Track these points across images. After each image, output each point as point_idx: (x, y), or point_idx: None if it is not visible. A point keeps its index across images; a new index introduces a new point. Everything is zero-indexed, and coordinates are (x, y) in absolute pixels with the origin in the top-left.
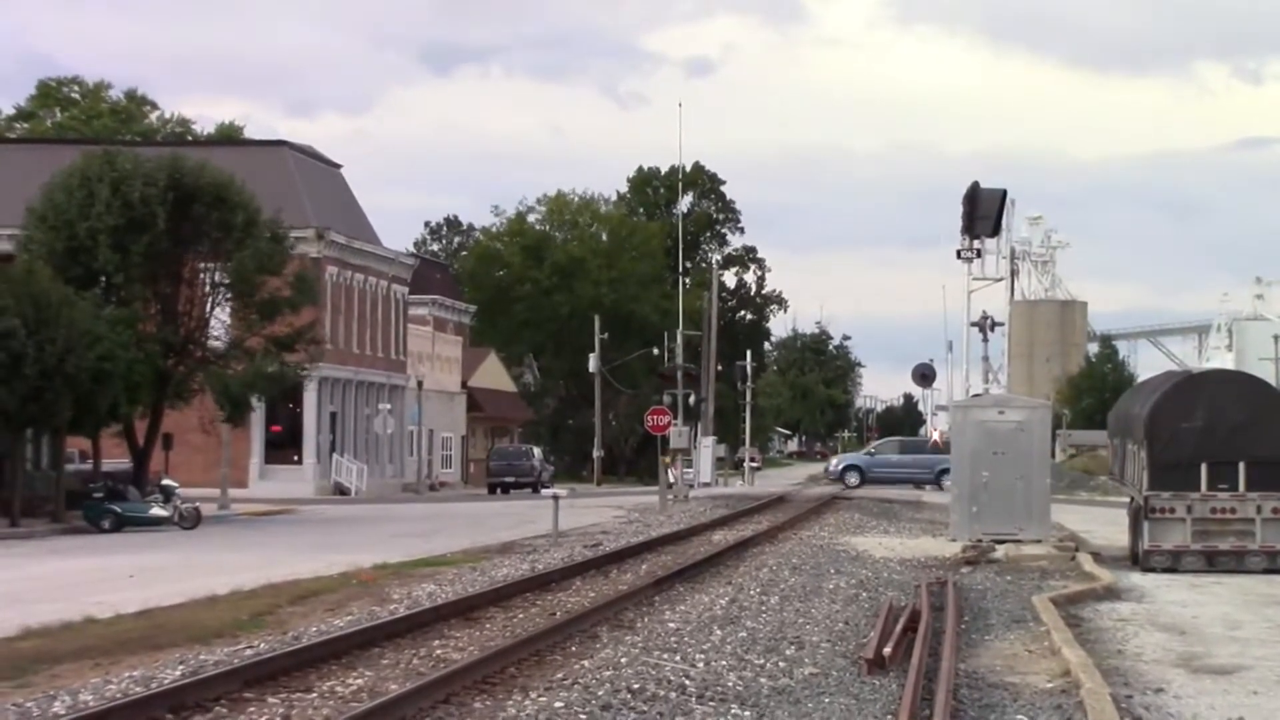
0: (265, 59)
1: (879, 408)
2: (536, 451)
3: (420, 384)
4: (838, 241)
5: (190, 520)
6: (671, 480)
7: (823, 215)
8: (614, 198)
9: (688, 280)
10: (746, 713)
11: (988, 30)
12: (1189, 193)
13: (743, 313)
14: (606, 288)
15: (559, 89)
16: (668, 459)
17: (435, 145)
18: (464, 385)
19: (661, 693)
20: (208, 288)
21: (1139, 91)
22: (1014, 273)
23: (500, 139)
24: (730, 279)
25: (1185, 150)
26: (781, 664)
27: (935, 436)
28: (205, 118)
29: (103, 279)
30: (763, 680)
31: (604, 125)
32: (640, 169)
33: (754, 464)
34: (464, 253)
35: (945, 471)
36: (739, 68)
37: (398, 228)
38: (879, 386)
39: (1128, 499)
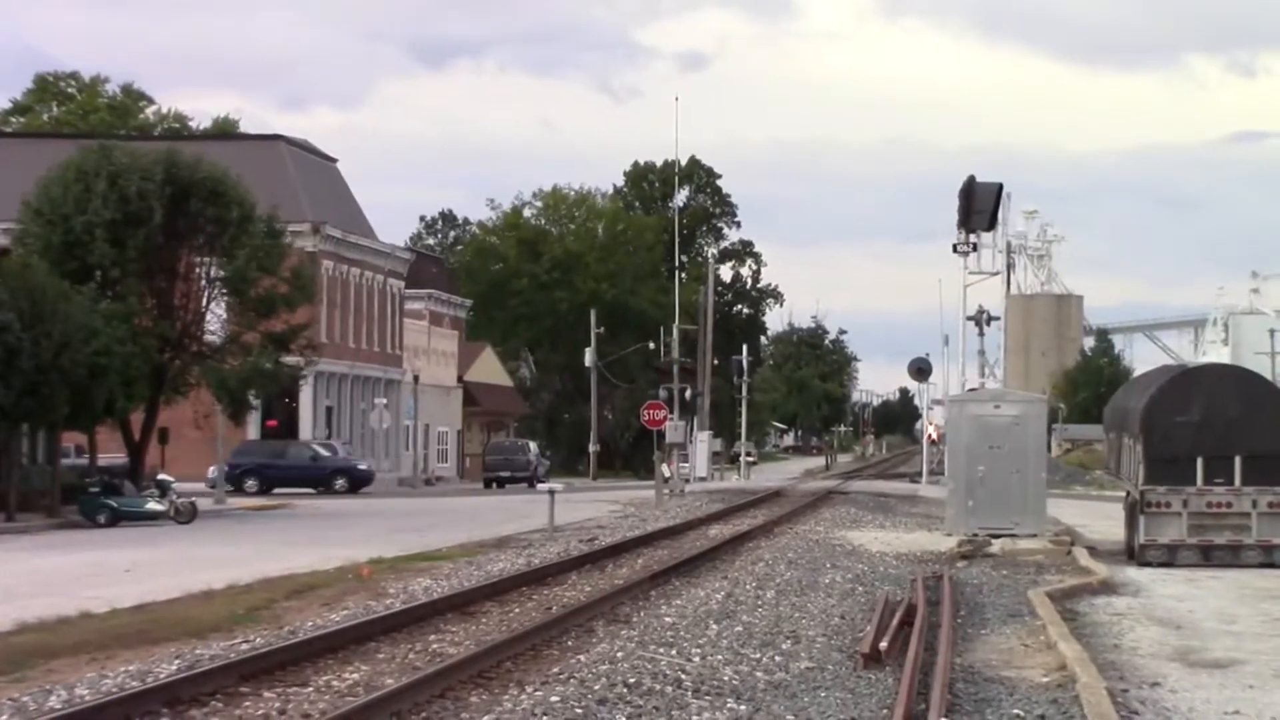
0: (256, 53)
1: (875, 402)
2: (532, 446)
3: (416, 378)
4: (834, 235)
5: (186, 515)
6: (667, 475)
7: (818, 209)
8: (610, 192)
9: (684, 274)
10: (742, 707)
11: (977, 24)
12: (1184, 187)
13: (739, 307)
14: (605, 282)
15: (553, 83)
16: (662, 453)
17: (429, 140)
18: (460, 380)
19: (657, 687)
20: (203, 282)
21: (1131, 85)
22: (1010, 267)
23: (494, 133)
24: (726, 273)
25: (1179, 144)
26: (778, 658)
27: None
28: (197, 112)
29: (99, 273)
30: (759, 674)
31: (598, 119)
32: (636, 163)
33: (750, 459)
34: (459, 247)
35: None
36: (732, 62)
37: (393, 222)
38: (875, 381)
39: (1124, 493)
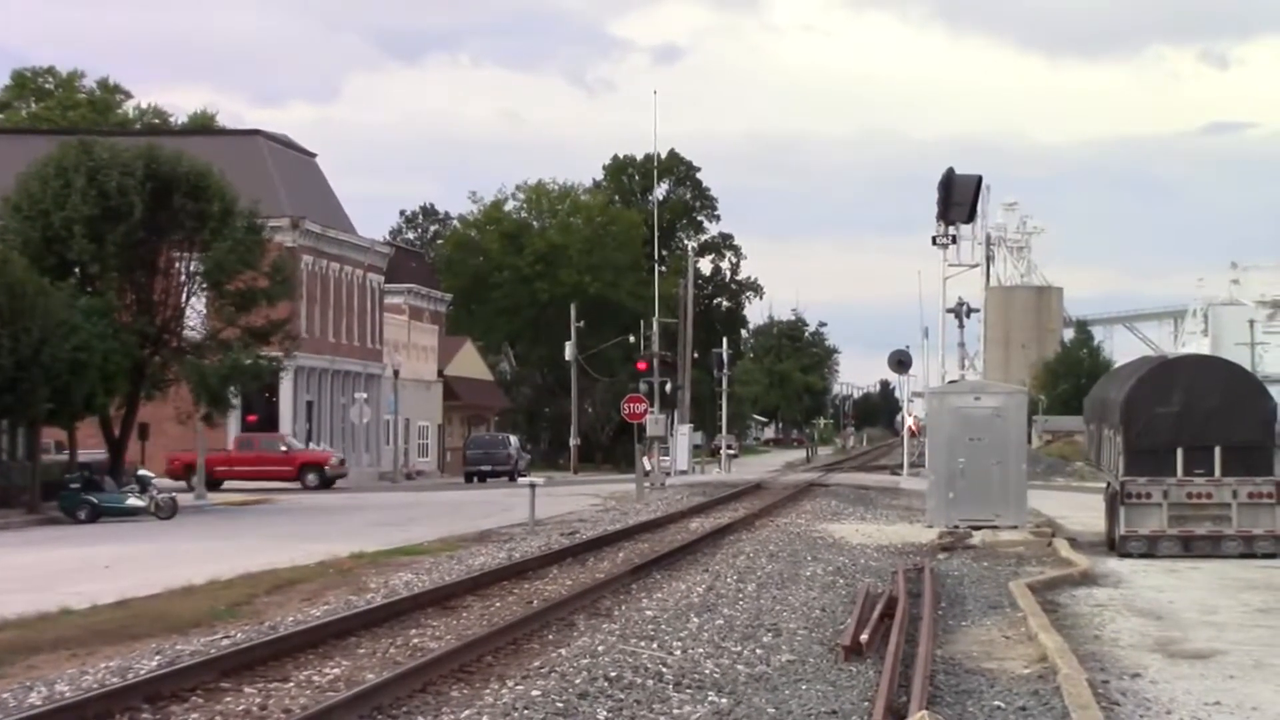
0: (227, 48)
1: (856, 394)
2: (513, 440)
3: (396, 373)
4: (812, 228)
5: (167, 510)
6: (648, 468)
7: (796, 202)
8: (589, 185)
9: (664, 268)
10: (724, 700)
11: (940, 16)
12: (1161, 178)
13: (719, 300)
14: (588, 275)
15: (528, 77)
16: (643, 446)
17: (405, 133)
18: (440, 374)
19: (639, 681)
20: (183, 278)
21: (1103, 77)
22: (989, 259)
23: (470, 127)
24: (706, 266)
25: (1153, 135)
26: (759, 651)
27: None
28: (169, 107)
29: (78, 269)
30: (740, 667)
31: (574, 113)
32: (616, 156)
33: (731, 451)
34: (439, 241)
35: None
36: (706, 55)
37: (372, 216)
38: (855, 373)
39: (1104, 484)
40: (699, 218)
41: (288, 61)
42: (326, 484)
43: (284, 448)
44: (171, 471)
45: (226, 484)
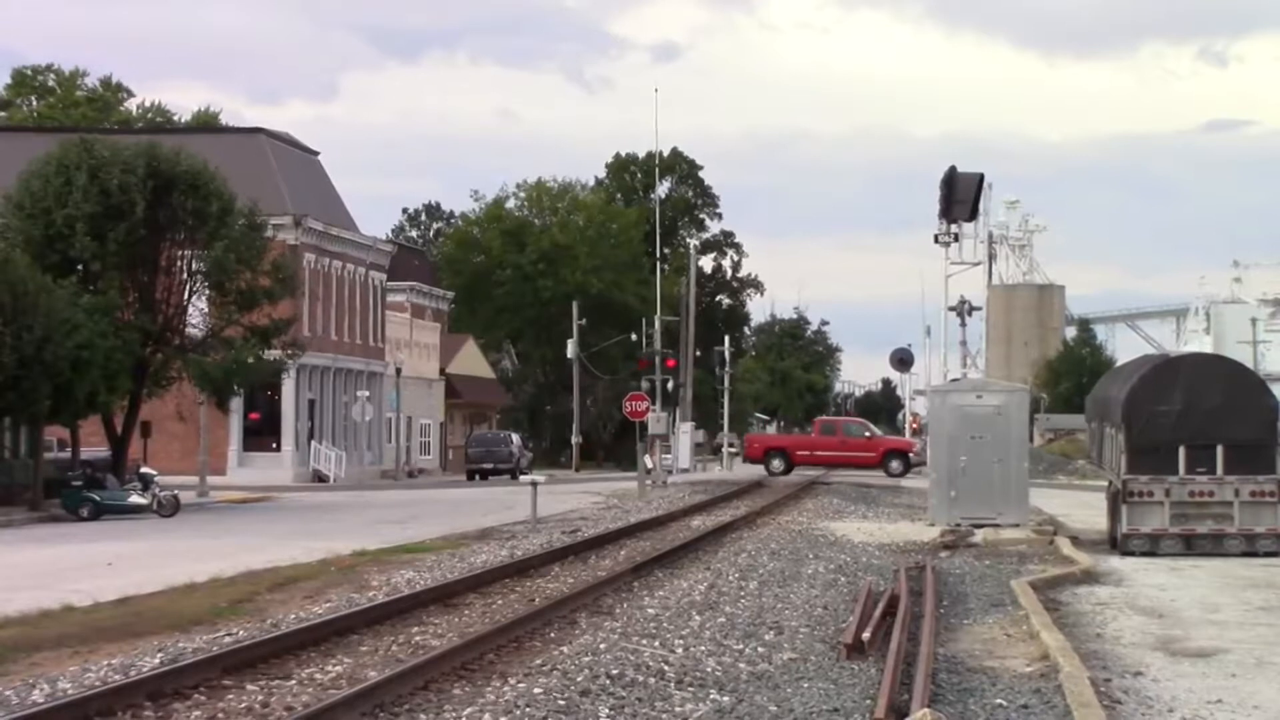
0: (223, 46)
1: (858, 392)
2: (515, 438)
3: (398, 371)
4: (812, 226)
5: (169, 508)
6: (650, 466)
7: (796, 200)
8: (591, 183)
9: (666, 266)
10: (725, 698)
11: (937, 12)
12: (1160, 176)
13: (720, 298)
14: (592, 274)
15: (526, 75)
16: (645, 444)
17: (404, 131)
18: (442, 372)
19: (640, 678)
20: (185, 276)
21: (1100, 75)
22: (991, 257)
23: (470, 125)
24: (708, 264)
25: (1153, 133)
26: (760, 649)
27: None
28: (172, 105)
29: (80, 267)
30: (741, 665)
31: (573, 111)
32: (618, 154)
33: (733, 449)
34: (442, 239)
35: None
36: (704, 53)
37: (375, 215)
38: (858, 371)
39: (1106, 483)
40: (700, 215)
41: (286, 60)
42: (907, 470)
43: (868, 434)
44: (751, 455)
45: (800, 469)
